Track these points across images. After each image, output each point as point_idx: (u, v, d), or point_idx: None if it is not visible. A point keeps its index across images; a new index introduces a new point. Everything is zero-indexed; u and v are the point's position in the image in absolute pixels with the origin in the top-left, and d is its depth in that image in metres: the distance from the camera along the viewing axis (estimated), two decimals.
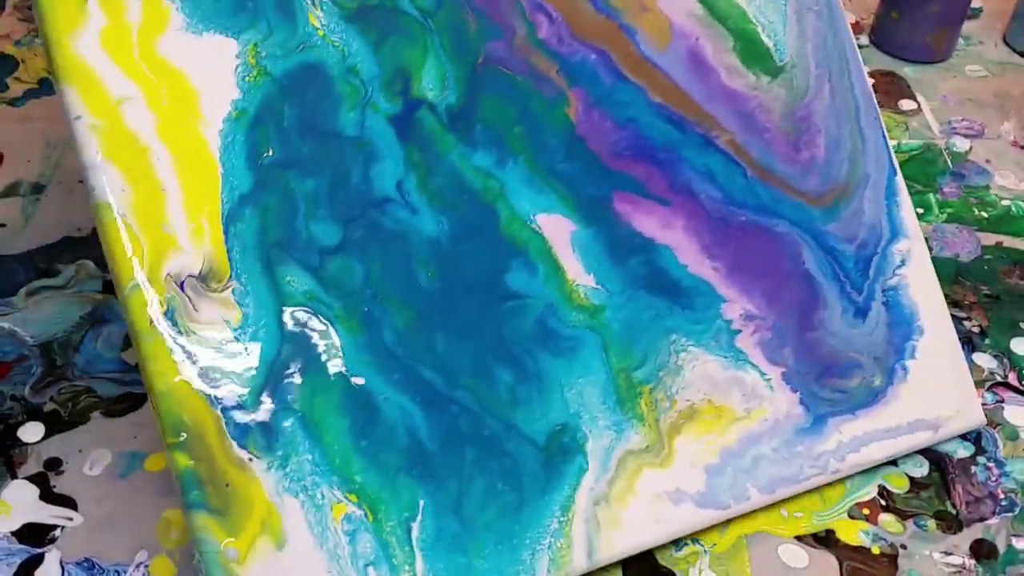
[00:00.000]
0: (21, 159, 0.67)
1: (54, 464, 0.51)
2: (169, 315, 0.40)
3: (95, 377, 0.54)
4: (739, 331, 0.47)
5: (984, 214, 0.66)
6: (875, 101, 0.51)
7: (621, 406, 0.45)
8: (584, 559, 0.44)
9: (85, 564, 0.47)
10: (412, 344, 0.43)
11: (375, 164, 0.43)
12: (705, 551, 0.47)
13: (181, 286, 0.40)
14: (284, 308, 0.42)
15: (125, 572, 0.47)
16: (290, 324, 0.42)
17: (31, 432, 0.52)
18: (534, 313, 0.45)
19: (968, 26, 0.83)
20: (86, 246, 0.61)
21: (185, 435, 0.40)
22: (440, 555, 0.42)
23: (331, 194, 0.43)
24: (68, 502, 0.49)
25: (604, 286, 0.46)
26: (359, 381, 0.42)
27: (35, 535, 0.48)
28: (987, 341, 0.58)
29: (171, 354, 0.40)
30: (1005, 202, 0.67)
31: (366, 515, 0.41)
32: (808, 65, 0.50)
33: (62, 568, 0.47)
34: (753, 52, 0.49)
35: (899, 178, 0.51)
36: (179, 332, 0.40)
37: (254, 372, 0.41)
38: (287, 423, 0.41)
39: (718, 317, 0.47)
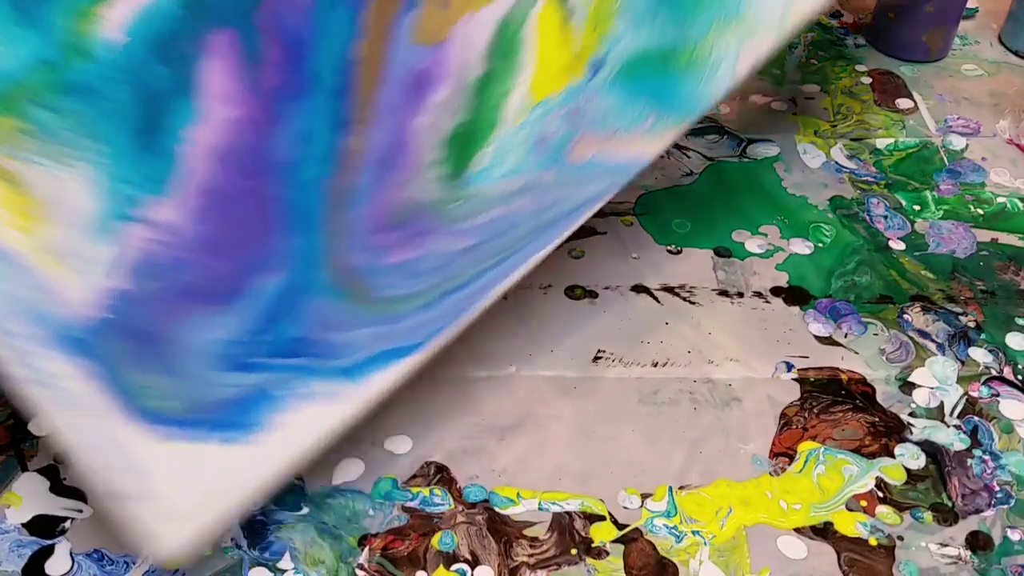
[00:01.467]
0: None
1: (64, 457, 0.51)
2: None
3: None
4: None
5: (980, 211, 0.66)
6: None
7: None
8: None
9: (95, 555, 0.47)
10: None
11: None
12: (705, 543, 0.47)
13: None
14: None
15: (134, 563, 0.47)
16: None
17: (41, 425, 0.52)
18: None
19: (964, 26, 0.83)
20: None
21: None
22: None
23: None
24: (78, 494, 0.49)
25: None
26: None
27: (45, 527, 0.48)
28: (983, 336, 0.58)
29: None
30: (1000, 199, 0.67)
31: None
32: None
33: (72, 559, 0.47)
34: None
35: None
36: None
37: None
38: None
39: None
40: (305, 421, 0.45)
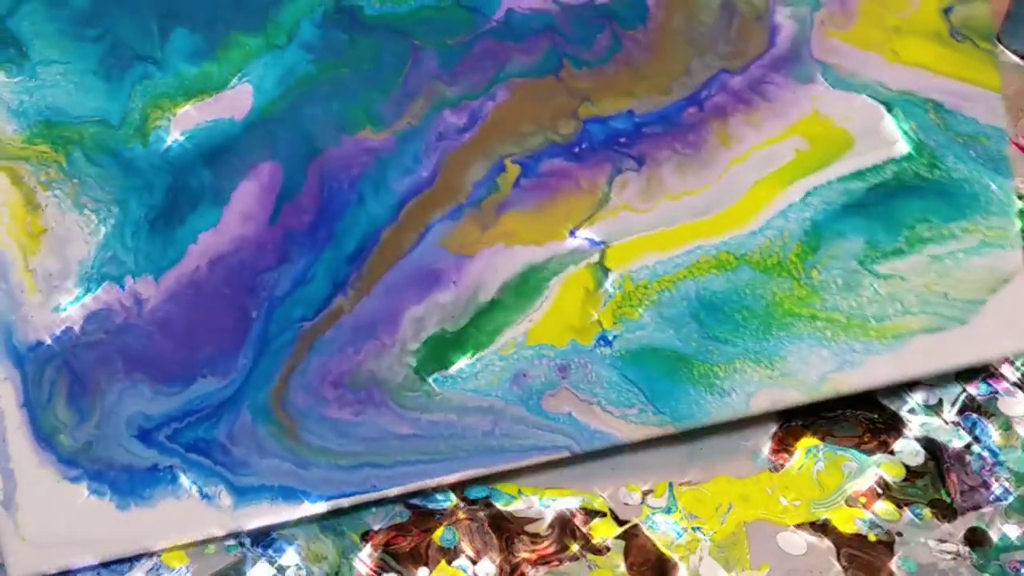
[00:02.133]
0: None
1: None
2: None
3: None
4: None
5: None
6: None
7: None
8: None
9: None
10: None
11: None
12: (705, 539, 0.47)
13: None
14: None
15: (139, 561, 0.47)
16: None
17: None
18: None
19: None
20: None
21: None
22: None
23: None
24: None
25: None
26: None
27: None
28: None
29: None
30: None
31: None
32: None
33: None
34: None
35: None
36: None
37: None
38: None
39: None
40: (177, 514, 0.46)
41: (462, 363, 0.47)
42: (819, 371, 0.48)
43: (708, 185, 0.48)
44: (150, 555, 0.47)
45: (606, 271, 0.48)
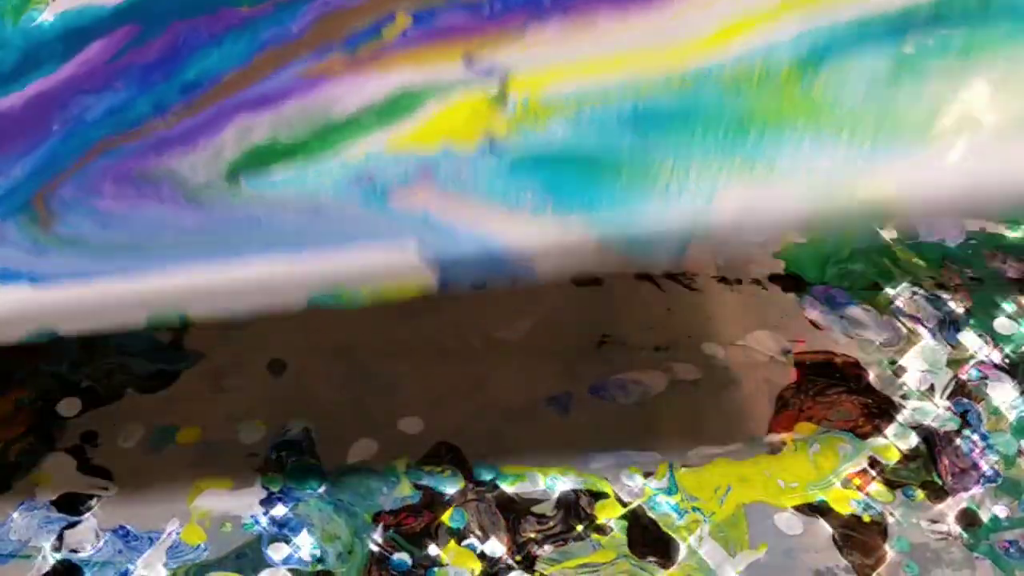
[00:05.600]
0: None
1: (90, 437, 0.51)
2: None
3: (129, 355, 0.54)
4: None
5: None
6: None
7: None
8: None
9: (120, 532, 0.47)
10: None
11: None
12: (705, 519, 0.47)
13: None
14: None
15: (158, 539, 0.47)
16: None
17: (69, 407, 0.52)
18: None
19: None
20: None
21: None
22: None
23: None
24: (104, 473, 0.49)
25: None
26: None
27: (73, 504, 0.48)
28: (972, 321, 0.57)
29: None
30: None
31: None
32: None
33: (98, 535, 0.47)
34: None
35: None
36: None
37: None
38: None
39: None
40: None
41: (292, 165, 0.38)
42: (827, 176, 0.34)
43: (655, 23, 0.36)
44: (169, 534, 0.47)
45: (505, 96, 0.37)
